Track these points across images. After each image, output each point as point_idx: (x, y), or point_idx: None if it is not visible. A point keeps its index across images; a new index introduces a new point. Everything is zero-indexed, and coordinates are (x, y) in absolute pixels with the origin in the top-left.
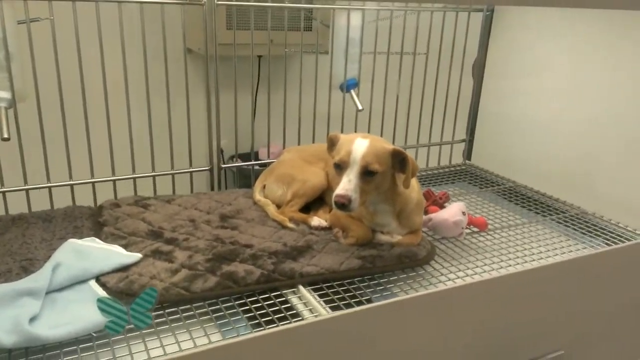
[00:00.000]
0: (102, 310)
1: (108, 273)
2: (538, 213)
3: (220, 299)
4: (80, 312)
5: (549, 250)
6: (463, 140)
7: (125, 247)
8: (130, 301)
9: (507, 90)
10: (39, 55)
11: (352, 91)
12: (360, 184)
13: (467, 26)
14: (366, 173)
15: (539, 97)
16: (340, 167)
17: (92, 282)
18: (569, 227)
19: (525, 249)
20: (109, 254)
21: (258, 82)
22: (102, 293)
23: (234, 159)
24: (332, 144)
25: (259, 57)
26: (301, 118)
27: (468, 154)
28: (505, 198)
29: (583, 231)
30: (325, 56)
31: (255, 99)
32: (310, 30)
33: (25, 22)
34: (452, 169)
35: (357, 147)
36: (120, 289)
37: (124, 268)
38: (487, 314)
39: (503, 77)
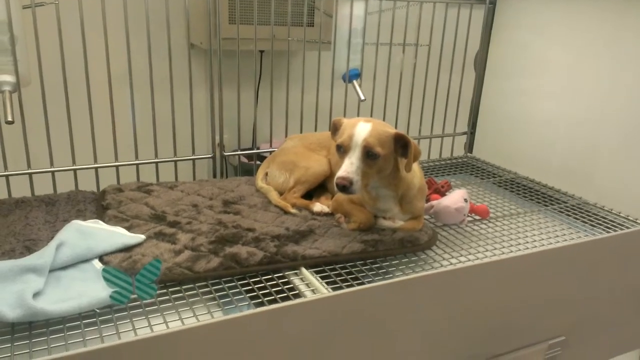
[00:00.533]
0: (106, 280)
1: (111, 253)
2: (539, 203)
3: (223, 279)
4: (84, 289)
5: (550, 238)
6: (465, 133)
7: (128, 229)
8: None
9: (508, 84)
10: (44, 40)
11: (355, 81)
12: (362, 166)
13: (469, 18)
14: (368, 156)
15: (540, 90)
16: (343, 150)
17: (96, 261)
18: (570, 216)
19: (527, 236)
20: (112, 235)
21: (260, 76)
22: None
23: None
24: (335, 128)
25: (261, 52)
26: (303, 113)
27: (470, 146)
28: (506, 188)
29: (584, 220)
30: (328, 52)
31: (257, 94)
32: (313, 26)
33: (30, 6)
34: (454, 161)
35: (359, 130)
36: (124, 269)
37: (127, 248)
38: (489, 297)
39: (504, 71)
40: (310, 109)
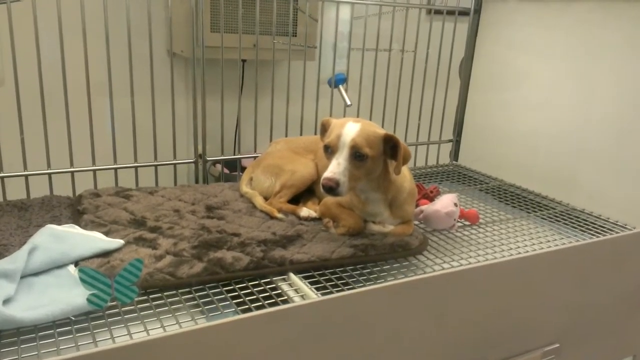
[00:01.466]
0: (83, 281)
1: (88, 258)
2: (527, 209)
3: (207, 285)
4: (59, 296)
5: (541, 243)
6: (450, 141)
7: (106, 234)
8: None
9: (493, 93)
10: (21, 40)
11: (341, 86)
12: (350, 168)
13: (454, 25)
14: (356, 157)
15: (525, 97)
16: (330, 150)
17: (71, 267)
18: (559, 222)
19: (518, 242)
20: (89, 239)
21: (242, 86)
22: None
23: (219, 165)
24: (324, 129)
25: (243, 61)
26: (288, 122)
27: (455, 154)
28: (492, 196)
29: (573, 226)
30: (313, 62)
31: (239, 104)
32: (296, 36)
33: (5, 2)
34: (440, 168)
35: (347, 130)
36: None
37: (105, 254)
38: (480, 302)
39: (489, 80)
40: (295, 118)
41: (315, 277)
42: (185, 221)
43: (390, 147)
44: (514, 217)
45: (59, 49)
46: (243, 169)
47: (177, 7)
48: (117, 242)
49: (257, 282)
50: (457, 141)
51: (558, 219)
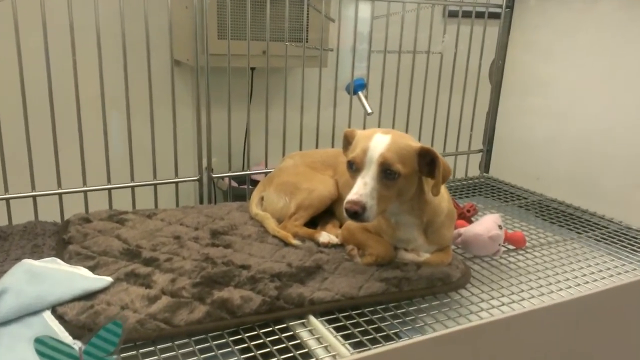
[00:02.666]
0: (41, 355)
1: (68, 302)
2: (575, 229)
3: (210, 334)
4: (28, 354)
5: (601, 271)
6: (480, 151)
7: (93, 269)
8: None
9: (528, 96)
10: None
11: (360, 93)
12: (379, 188)
13: (484, 24)
14: (386, 175)
15: (565, 99)
16: (355, 168)
17: (47, 314)
18: (615, 244)
19: (574, 269)
20: (71, 278)
21: (251, 95)
22: (58, 328)
23: (226, 180)
24: (347, 141)
25: (252, 69)
26: (303, 133)
27: (486, 165)
28: (532, 213)
29: (631, 249)
30: (326, 68)
31: (249, 115)
32: (308, 42)
33: None
34: (469, 181)
35: (375, 143)
36: (82, 323)
37: (89, 295)
38: (546, 347)
39: (523, 81)
40: (310, 129)
41: (341, 321)
42: (186, 250)
43: (427, 163)
44: (563, 240)
45: (44, 59)
46: (254, 182)
47: (183, 13)
48: (103, 281)
49: (270, 328)
50: (487, 151)
51: (614, 240)
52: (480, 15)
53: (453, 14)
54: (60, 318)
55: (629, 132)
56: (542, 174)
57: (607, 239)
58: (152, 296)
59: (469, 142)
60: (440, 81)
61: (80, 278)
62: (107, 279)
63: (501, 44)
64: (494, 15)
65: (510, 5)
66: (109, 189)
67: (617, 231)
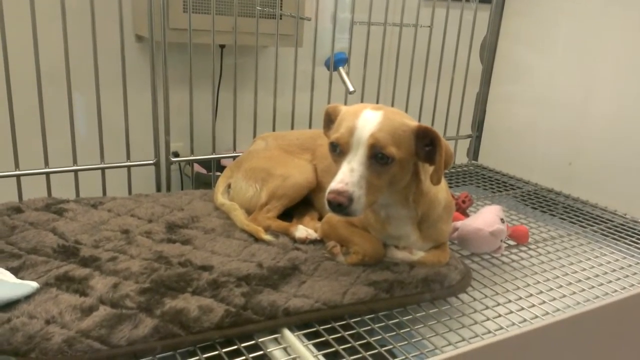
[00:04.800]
0: None
1: None
2: (579, 223)
3: (158, 356)
4: None
5: (615, 271)
6: (469, 136)
7: (18, 271)
8: None
9: (520, 76)
10: None
11: (341, 68)
12: (368, 175)
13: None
14: (377, 160)
15: (559, 83)
16: (339, 150)
17: None
18: (621, 239)
19: (585, 269)
20: None
21: (220, 75)
22: None
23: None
24: (330, 119)
25: (222, 46)
26: (276, 116)
27: (475, 152)
28: (527, 204)
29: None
30: (301, 48)
31: (217, 96)
32: (282, 19)
33: None
34: (457, 169)
35: (364, 121)
36: None
37: (7, 306)
38: None
39: (516, 64)
40: (285, 111)
41: (322, 335)
42: (135, 248)
43: (425, 145)
44: (567, 234)
45: None
46: (221, 169)
47: None
48: (27, 287)
49: (235, 346)
50: (477, 137)
51: (621, 234)
52: None
53: None
54: None
55: (623, 118)
56: (533, 161)
57: (614, 234)
58: (86, 307)
59: (457, 128)
60: (429, 60)
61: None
62: (32, 284)
63: (494, 21)
64: (486, 0)
65: None
66: (47, 173)
67: (622, 225)
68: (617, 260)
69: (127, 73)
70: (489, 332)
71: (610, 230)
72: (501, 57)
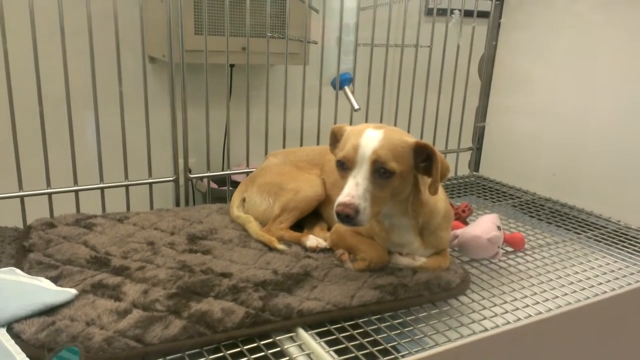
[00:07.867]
0: None
1: (26, 318)
2: (574, 229)
3: (187, 353)
4: None
5: (605, 274)
6: (470, 149)
7: (56, 280)
8: None
9: (519, 93)
10: None
11: (347, 88)
12: (372, 188)
13: (475, 8)
14: (379, 174)
15: (557, 95)
16: (346, 166)
17: (2, 332)
18: (614, 245)
19: (577, 272)
20: (30, 290)
21: (230, 93)
22: (13, 349)
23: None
24: (335, 139)
25: (232, 66)
26: (286, 132)
27: (476, 164)
28: (526, 213)
29: (632, 249)
30: (309, 66)
31: (228, 113)
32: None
33: None
34: (459, 180)
35: (367, 139)
36: (41, 342)
37: (50, 310)
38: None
39: (513, 78)
40: (294, 128)
41: (333, 333)
42: (160, 258)
43: (423, 160)
44: (562, 241)
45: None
46: (234, 184)
47: (158, 7)
48: (67, 293)
49: (254, 344)
50: (477, 149)
51: (614, 240)
52: (469, 14)
53: (441, 12)
54: (17, 337)
55: (620, 129)
56: (532, 172)
57: (607, 240)
58: (121, 310)
59: (458, 140)
60: (429, 77)
61: (42, 291)
62: (71, 291)
63: (491, 38)
64: (483, 14)
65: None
66: (76, 191)
67: (616, 231)
68: (608, 264)
69: (143, 94)
70: (485, 329)
71: (604, 236)
72: (500, 69)
